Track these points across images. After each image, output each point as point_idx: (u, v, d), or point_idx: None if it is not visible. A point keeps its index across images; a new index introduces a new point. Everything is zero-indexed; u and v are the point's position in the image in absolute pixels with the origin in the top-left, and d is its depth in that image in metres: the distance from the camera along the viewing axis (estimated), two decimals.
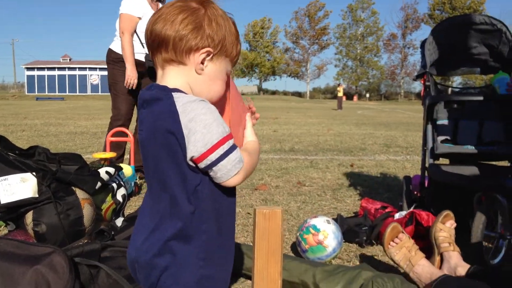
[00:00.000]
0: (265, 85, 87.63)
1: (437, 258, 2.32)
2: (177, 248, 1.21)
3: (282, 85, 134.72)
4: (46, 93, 60.87)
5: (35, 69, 65.43)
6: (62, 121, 14.24)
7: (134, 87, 4.43)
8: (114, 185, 2.78)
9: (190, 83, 1.26)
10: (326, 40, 76.80)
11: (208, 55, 1.25)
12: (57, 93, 60.55)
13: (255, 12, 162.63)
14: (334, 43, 77.32)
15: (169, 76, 1.27)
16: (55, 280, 1.53)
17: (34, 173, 2.23)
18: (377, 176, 5.26)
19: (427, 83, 3.05)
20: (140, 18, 4.42)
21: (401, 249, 2.24)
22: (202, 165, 1.16)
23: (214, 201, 1.22)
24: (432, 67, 3.23)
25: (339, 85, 35.10)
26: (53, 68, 65.33)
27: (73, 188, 2.36)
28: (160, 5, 4.54)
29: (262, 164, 5.96)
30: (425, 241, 2.51)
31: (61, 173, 2.31)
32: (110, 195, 2.69)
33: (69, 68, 65.14)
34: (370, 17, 75.06)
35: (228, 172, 1.16)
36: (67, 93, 60.09)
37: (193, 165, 1.17)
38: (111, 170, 2.74)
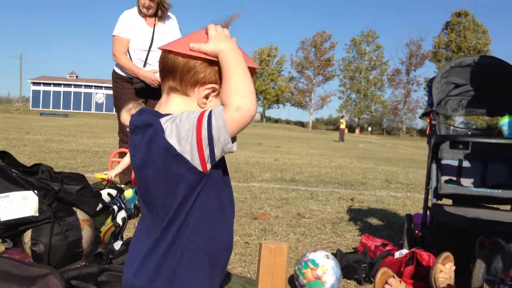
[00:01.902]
0: (268, 113, 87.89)
1: None
2: (172, 271, 1.21)
3: (286, 114, 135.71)
4: (51, 109, 61.17)
5: (41, 84, 65.84)
6: (64, 137, 14.27)
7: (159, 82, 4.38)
8: (115, 207, 2.77)
9: None
10: (331, 72, 77.40)
11: (213, 91, 1.26)
12: (61, 109, 60.84)
13: (262, 40, 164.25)
14: (339, 75, 77.95)
15: (172, 103, 1.28)
16: None
17: (36, 192, 2.22)
18: (378, 212, 5.23)
19: (433, 122, 3.06)
20: (129, 40, 4.44)
21: None
22: (205, 147, 1.15)
23: (208, 216, 1.22)
24: (438, 106, 3.24)
25: (342, 117, 35.29)
26: (59, 84, 65.76)
27: (74, 208, 2.34)
28: (158, 21, 4.55)
29: (262, 193, 5.94)
30: (425, 282, 2.48)
31: (63, 192, 2.30)
32: (110, 217, 2.68)
33: (75, 85, 65.56)
34: (374, 51, 75.81)
35: (225, 128, 1.15)
36: (72, 110, 60.34)
37: (199, 169, 1.17)
38: (113, 192, 2.73)
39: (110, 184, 2.92)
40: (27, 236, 2.21)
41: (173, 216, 1.21)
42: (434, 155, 2.96)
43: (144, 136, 1.21)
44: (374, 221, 4.74)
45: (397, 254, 2.84)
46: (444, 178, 3.00)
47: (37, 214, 2.19)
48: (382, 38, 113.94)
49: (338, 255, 3.06)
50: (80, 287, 1.66)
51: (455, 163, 3.08)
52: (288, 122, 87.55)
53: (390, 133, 75.26)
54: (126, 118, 3.85)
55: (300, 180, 7.53)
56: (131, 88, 4.49)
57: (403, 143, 37.03)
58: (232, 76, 1.17)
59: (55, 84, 65.65)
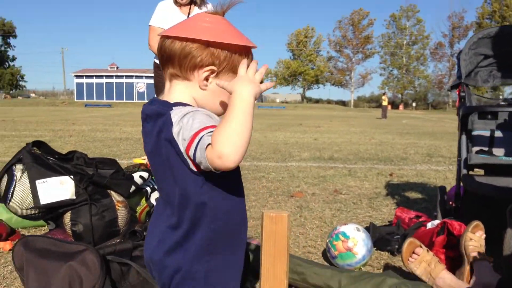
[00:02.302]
0: (308, 94, 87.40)
1: (467, 267, 2.30)
2: (187, 248, 1.27)
3: (326, 94, 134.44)
4: (95, 100, 62.59)
5: (84, 77, 67.41)
6: (108, 127, 14.64)
7: None
8: (148, 189, 2.89)
9: (195, 97, 1.31)
10: (371, 49, 76.08)
11: (212, 72, 1.29)
12: (104, 100, 62.20)
13: (298, 21, 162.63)
14: (379, 52, 76.53)
15: (175, 90, 1.32)
16: (87, 276, 1.62)
17: (72, 177, 2.35)
18: (417, 186, 5.19)
19: (462, 94, 3.03)
20: (163, 29, 4.53)
21: (420, 263, 2.24)
22: (192, 159, 1.17)
23: (221, 199, 1.26)
24: (468, 78, 3.20)
25: (384, 94, 34.73)
26: (101, 76, 67.17)
27: (109, 191, 2.47)
28: (195, 8, 4.64)
29: (300, 172, 5.99)
30: (456, 251, 2.49)
31: (97, 176, 2.42)
32: (144, 198, 2.80)
33: (116, 76, 66.81)
34: (415, 25, 73.96)
35: (201, 157, 1.13)
36: (114, 100, 61.59)
37: (194, 168, 1.21)
38: (145, 174, 2.85)
39: (145, 167, 3.04)
40: (67, 217, 2.35)
41: (185, 204, 1.27)
42: (464, 127, 2.93)
43: (154, 125, 1.26)
44: (412, 195, 4.72)
45: (429, 225, 2.85)
46: (475, 149, 2.97)
47: (75, 197, 2.32)
48: (423, 12, 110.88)
49: (371, 228, 3.10)
50: (114, 261, 1.76)
51: (486, 133, 3.05)
52: (329, 101, 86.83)
53: (436, 108, 73.54)
54: None
55: (338, 158, 7.53)
56: None
57: (449, 117, 36.14)
58: (231, 120, 1.15)
59: (97, 76, 67.09)
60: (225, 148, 1.10)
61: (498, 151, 2.96)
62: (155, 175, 1.34)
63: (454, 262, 2.47)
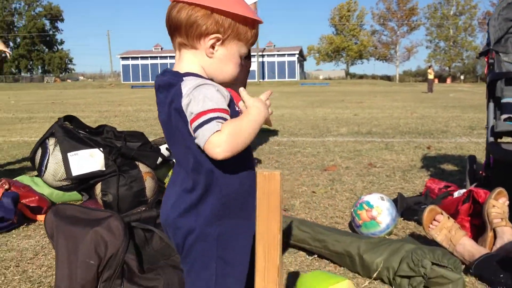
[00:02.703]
0: (352, 69, 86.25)
1: (490, 234, 2.31)
2: (200, 210, 1.34)
3: (371, 69, 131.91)
4: (140, 81, 63.70)
5: (129, 59, 68.62)
6: (152, 107, 14.92)
7: None
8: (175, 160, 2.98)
9: (203, 65, 1.37)
10: (416, 21, 74.10)
11: (217, 40, 1.34)
12: (150, 81, 63.14)
13: None
14: (425, 23, 74.44)
15: (184, 59, 1.38)
16: (112, 240, 1.73)
17: (101, 149, 2.47)
18: (454, 159, 5.12)
19: (491, 61, 2.97)
20: None
21: (441, 230, 2.25)
22: (192, 132, 1.25)
23: (230, 168, 1.31)
24: (498, 44, 3.13)
25: (429, 67, 33.88)
26: (146, 57, 68.20)
27: (137, 162, 2.58)
28: None
29: (336, 146, 6.00)
30: (481, 219, 2.49)
31: (125, 149, 2.54)
32: (171, 170, 2.90)
33: (161, 57, 67.66)
34: None
35: (201, 139, 1.21)
36: None
37: None
38: None
39: None
40: (98, 188, 2.48)
41: (198, 170, 1.33)
42: (491, 94, 2.89)
43: (167, 95, 1.33)
44: (448, 167, 4.67)
45: (455, 194, 2.85)
46: (503, 116, 2.92)
47: (104, 169, 2.45)
48: None
49: (399, 198, 3.12)
50: (139, 227, 1.87)
51: None
52: (374, 77, 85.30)
53: (485, 80, 71.01)
54: None
55: (376, 132, 7.48)
56: None
57: None
58: (245, 130, 1.25)
59: (142, 58, 68.18)
60: (228, 151, 1.21)
61: None
62: (169, 143, 1.41)
63: (479, 230, 2.47)
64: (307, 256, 2.42)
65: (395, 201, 3.17)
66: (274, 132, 7.58)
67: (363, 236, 2.34)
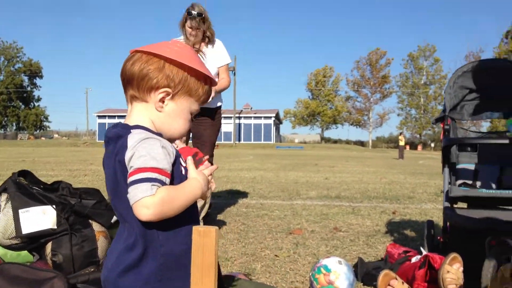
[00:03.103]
0: (327, 134, 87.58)
1: None
2: (140, 270, 1.33)
3: (345, 134, 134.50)
4: None
5: (106, 117, 68.64)
6: None
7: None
8: None
9: (152, 119, 1.40)
10: (388, 89, 76.39)
11: (167, 94, 1.38)
12: None
13: (317, 61, 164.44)
14: (397, 91, 76.76)
15: (134, 112, 1.41)
16: None
17: (54, 206, 2.44)
18: (418, 224, 5.17)
19: (446, 127, 3.08)
20: None
21: None
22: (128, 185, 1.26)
23: (166, 225, 1.30)
24: (454, 111, 3.26)
25: (400, 134, 34.64)
26: (123, 116, 68.18)
27: (90, 221, 2.55)
28: (204, 47, 4.83)
29: (303, 210, 6.01)
30: (437, 285, 2.50)
31: (78, 206, 2.51)
32: None
33: None
34: (432, 65, 74.22)
35: (132, 197, 1.23)
36: None
37: None
38: None
39: None
40: (48, 248, 2.43)
41: (137, 230, 1.32)
42: (446, 159, 2.97)
43: (114, 147, 1.35)
44: (411, 233, 4.70)
45: (413, 260, 2.86)
46: (459, 182, 3.00)
47: (56, 227, 2.41)
48: (440, 52, 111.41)
49: (359, 263, 3.11)
50: None
51: (471, 167, 3.08)
52: (347, 142, 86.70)
53: None
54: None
55: (345, 197, 7.53)
56: None
57: None
58: (178, 193, 1.28)
59: (119, 116, 68.23)
60: (155, 215, 1.22)
61: (482, 185, 2.98)
62: (113, 198, 1.39)
63: None
64: None
65: (355, 266, 3.18)
66: (244, 194, 7.57)
67: None
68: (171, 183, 1.31)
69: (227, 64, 5.02)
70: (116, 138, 1.35)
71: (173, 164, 1.33)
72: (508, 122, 2.93)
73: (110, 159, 1.36)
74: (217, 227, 1.08)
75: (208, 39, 4.87)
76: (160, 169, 1.26)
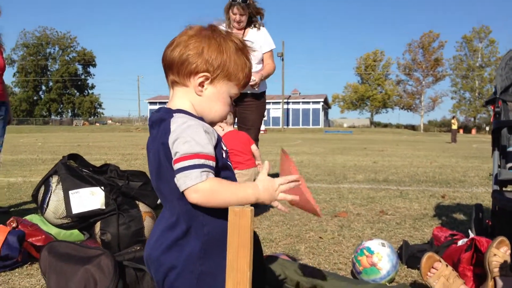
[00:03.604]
0: (377, 118, 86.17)
1: (490, 283, 2.26)
2: (182, 248, 1.36)
3: (395, 118, 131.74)
4: None
5: (157, 104, 69.88)
6: None
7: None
8: None
9: (193, 103, 1.42)
10: (442, 72, 74.22)
11: (206, 79, 1.40)
12: None
13: (367, 45, 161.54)
14: (450, 74, 74.49)
15: (176, 96, 1.44)
16: (101, 279, 1.76)
17: (102, 188, 2.53)
18: (468, 208, 5.04)
19: (497, 109, 2.98)
20: None
21: (439, 278, 2.22)
22: (175, 171, 1.29)
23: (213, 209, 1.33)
24: (505, 93, 3.15)
25: (453, 117, 33.70)
26: None
27: (137, 202, 2.63)
28: (249, 31, 4.82)
29: (350, 193, 5.96)
30: (483, 268, 2.44)
31: (125, 188, 2.59)
32: None
33: None
34: (487, 47, 71.54)
35: (182, 184, 1.26)
36: None
37: None
38: None
39: None
40: (97, 227, 2.52)
41: (181, 209, 1.35)
42: (496, 142, 2.88)
43: (158, 130, 1.39)
44: (460, 216, 4.60)
45: (459, 243, 2.80)
46: (509, 165, 2.91)
47: (104, 207, 2.50)
48: (495, 33, 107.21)
49: (403, 246, 3.08)
50: (130, 266, 1.89)
51: None
52: (398, 126, 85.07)
53: None
54: None
55: (393, 180, 7.42)
56: None
57: None
58: (230, 199, 1.29)
59: None
60: (202, 203, 1.27)
61: None
62: (156, 179, 1.42)
63: (481, 279, 2.42)
64: None
65: (400, 249, 3.14)
66: None
67: (360, 282, 2.32)
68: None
69: (272, 49, 5.00)
70: (159, 121, 1.39)
71: (215, 148, 1.36)
72: None
73: (154, 142, 1.39)
74: (252, 208, 1.10)
75: (255, 22, 4.85)
76: (207, 154, 1.29)
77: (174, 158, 1.30)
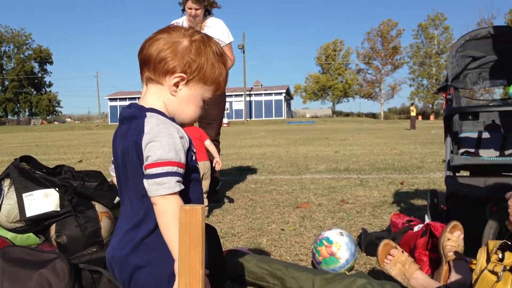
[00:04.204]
0: (338, 107, 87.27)
1: (445, 267, 2.33)
2: (149, 247, 1.35)
3: (357, 107, 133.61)
4: None
5: (118, 100, 68.89)
6: None
7: None
8: None
9: (165, 102, 1.41)
10: (400, 60, 75.52)
11: (182, 79, 1.40)
12: None
13: (327, 34, 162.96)
14: (408, 62, 75.88)
15: (149, 94, 1.43)
16: (56, 283, 1.73)
17: (56, 189, 2.49)
18: (425, 194, 5.12)
19: (449, 96, 3.05)
20: None
21: (395, 264, 2.28)
22: (145, 176, 1.30)
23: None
24: (456, 80, 3.23)
25: (411, 104, 34.38)
26: (134, 98, 68.44)
27: (93, 202, 2.60)
28: (207, 22, 4.78)
29: (312, 184, 6.02)
30: (438, 253, 2.51)
31: (81, 188, 2.55)
32: None
33: None
34: (443, 34, 73.15)
35: (153, 190, 1.27)
36: None
37: None
38: None
39: None
40: (52, 229, 2.48)
41: (148, 208, 1.35)
42: (448, 129, 2.96)
43: (129, 127, 1.36)
44: (418, 202, 4.71)
45: (415, 228, 2.87)
46: (461, 150, 2.99)
47: (59, 209, 2.46)
48: (450, 20, 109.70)
49: (362, 234, 3.14)
50: (86, 268, 1.86)
51: (474, 135, 3.06)
52: (359, 114, 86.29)
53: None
54: None
55: (354, 169, 7.53)
56: None
57: None
58: (174, 230, 1.26)
59: (130, 99, 68.42)
60: (166, 209, 1.28)
61: (484, 152, 2.97)
62: (122, 176, 1.41)
63: (437, 264, 2.49)
64: None
65: (360, 237, 3.20)
66: (253, 170, 7.61)
67: (319, 272, 2.35)
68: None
69: (230, 43, 4.99)
70: (131, 118, 1.38)
71: (187, 151, 1.36)
72: (509, 89, 2.90)
73: (124, 138, 1.38)
74: (203, 205, 1.10)
75: (209, 11, 4.82)
76: (179, 162, 1.30)
77: (146, 162, 1.29)
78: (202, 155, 4.19)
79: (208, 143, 4.32)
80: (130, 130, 1.36)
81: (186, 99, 1.43)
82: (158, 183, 1.26)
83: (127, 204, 1.42)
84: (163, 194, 1.26)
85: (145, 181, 1.29)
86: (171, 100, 1.42)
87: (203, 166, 4.15)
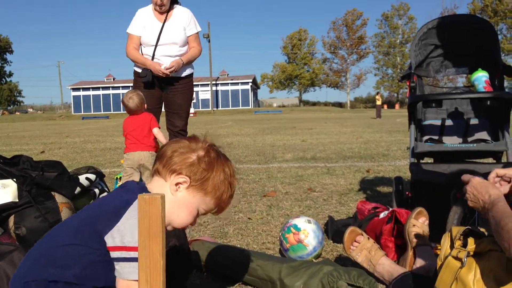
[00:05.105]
0: (305, 97, 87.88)
1: (410, 253, 2.35)
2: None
3: (323, 96, 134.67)
4: (92, 112, 62.76)
5: (81, 90, 67.57)
6: (101, 138, 14.70)
7: (167, 72, 4.48)
8: (96, 190, 2.94)
9: None
10: (365, 49, 76.28)
11: (184, 182, 1.45)
12: (102, 112, 62.33)
13: (292, 24, 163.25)
14: (373, 52, 76.73)
15: (153, 184, 1.49)
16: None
17: (14, 179, 2.41)
18: (391, 181, 5.19)
19: (412, 84, 3.08)
20: (139, 36, 4.58)
21: (361, 251, 2.29)
22: (113, 254, 1.32)
23: None
24: (419, 68, 3.25)
25: (377, 93, 34.81)
26: (97, 88, 67.34)
27: (52, 193, 2.52)
28: (172, 14, 4.68)
29: (279, 173, 6.03)
30: (403, 239, 2.53)
31: (40, 178, 2.47)
32: (92, 199, 2.84)
33: (113, 87, 66.88)
34: (407, 24, 74.18)
35: (125, 273, 1.30)
36: (112, 112, 61.72)
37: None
38: (92, 176, 2.90)
39: (92, 169, 3.08)
40: (11, 221, 2.40)
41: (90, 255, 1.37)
42: (411, 116, 2.98)
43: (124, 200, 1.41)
44: (383, 189, 4.76)
45: (381, 215, 2.89)
46: (425, 138, 3.02)
47: (17, 200, 2.38)
48: (414, 10, 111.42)
49: (329, 221, 3.15)
50: None
51: (437, 122, 3.09)
52: (326, 104, 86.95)
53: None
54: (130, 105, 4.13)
55: (321, 158, 7.57)
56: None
57: None
58: None
59: (93, 88, 67.26)
60: None
61: (447, 139, 3.01)
62: (97, 220, 1.42)
63: (402, 250, 2.51)
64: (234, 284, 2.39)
65: (327, 224, 3.21)
66: None
67: (285, 260, 2.34)
68: None
69: (197, 32, 4.90)
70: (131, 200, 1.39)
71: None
72: (472, 76, 2.94)
73: (115, 199, 1.43)
74: (163, 194, 1.06)
75: (176, 1, 4.73)
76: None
77: (122, 243, 1.31)
78: (138, 146, 4.09)
79: (156, 131, 4.22)
80: (123, 198, 1.42)
81: (182, 203, 1.47)
82: (133, 267, 1.30)
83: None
84: (132, 278, 1.30)
85: (118, 264, 1.32)
86: (168, 198, 1.44)
87: (146, 156, 4.06)
